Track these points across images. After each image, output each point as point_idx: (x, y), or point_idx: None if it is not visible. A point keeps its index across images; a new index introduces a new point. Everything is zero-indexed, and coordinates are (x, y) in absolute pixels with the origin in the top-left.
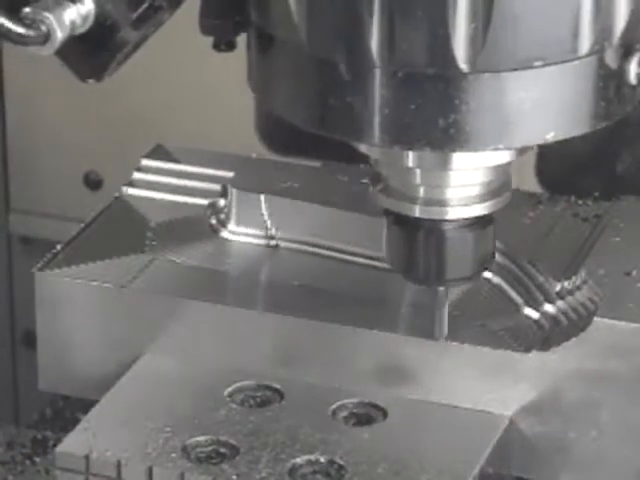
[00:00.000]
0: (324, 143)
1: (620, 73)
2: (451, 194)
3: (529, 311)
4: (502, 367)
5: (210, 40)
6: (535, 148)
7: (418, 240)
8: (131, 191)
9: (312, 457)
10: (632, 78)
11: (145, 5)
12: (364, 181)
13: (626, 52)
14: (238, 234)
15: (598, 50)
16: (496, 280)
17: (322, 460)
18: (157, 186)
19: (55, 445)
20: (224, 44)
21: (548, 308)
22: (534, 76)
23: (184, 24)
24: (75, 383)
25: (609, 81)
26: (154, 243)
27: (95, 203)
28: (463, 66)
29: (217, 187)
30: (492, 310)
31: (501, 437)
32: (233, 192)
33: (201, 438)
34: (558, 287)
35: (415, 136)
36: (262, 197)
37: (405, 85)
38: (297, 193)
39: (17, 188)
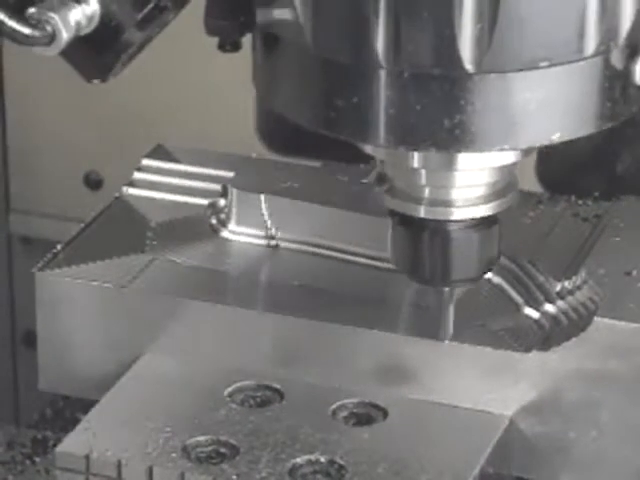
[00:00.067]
0: (324, 143)
1: (626, 74)
2: (456, 195)
3: (529, 311)
4: (502, 367)
5: (210, 40)
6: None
7: (423, 241)
8: (131, 191)
9: (312, 457)
10: (638, 79)
11: (150, 5)
12: (364, 181)
13: (632, 53)
14: (238, 234)
15: (604, 51)
16: (496, 280)
17: (322, 460)
18: (157, 186)
19: (55, 445)
20: (229, 44)
21: (548, 308)
22: (540, 77)
23: (184, 24)
24: (75, 383)
25: (615, 82)
26: (154, 243)
27: (95, 203)
28: (469, 66)
29: (217, 187)
30: (492, 310)
31: (501, 437)
32: (233, 192)
33: (201, 438)
34: (558, 287)
35: (421, 137)
36: (262, 197)
37: (411, 86)
38: (297, 193)
39: (17, 188)
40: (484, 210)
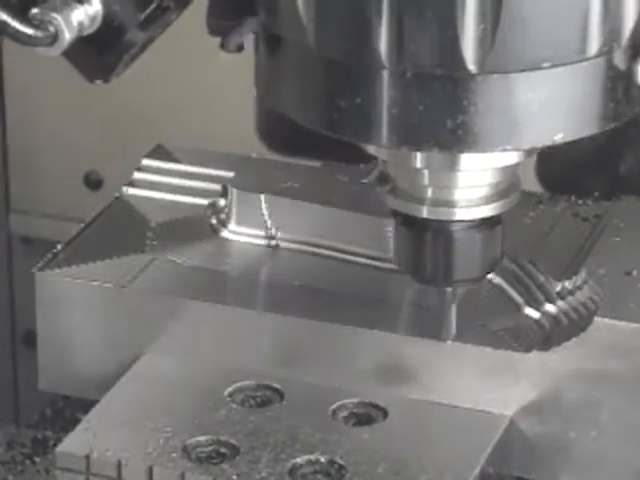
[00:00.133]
0: (324, 143)
1: (628, 74)
2: (459, 195)
3: (530, 311)
4: (502, 367)
5: (211, 40)
6: None
7: (426, 241)
8: (131, 191)
9: (312, 457)
10: None
11: (153, 6)
12: (364, 181)
13: (634, 53)
14: (238, 234)
15: (606, 51)
16: (496, 280)
17: (322, 460)
18: (157, 186)
19: (55, 445)
20: (231, 45)
21: (549, 308)
22: (542, 77)
23: (185, 25)
24: (75, 383)
25: (617, 82)
26: (154, 243)
27: (95, 203)
28: (471, 67)
29: (217, 187)
30: (492, 310)
31: (501, 437)
32: (233, 192)
33: (201, 438)
34: (559, 287)
35: (423, 137)
36: (262, 197)
37: (413, 86)
38: (297, 193)
39: (17, 188)
40: (487, 211)
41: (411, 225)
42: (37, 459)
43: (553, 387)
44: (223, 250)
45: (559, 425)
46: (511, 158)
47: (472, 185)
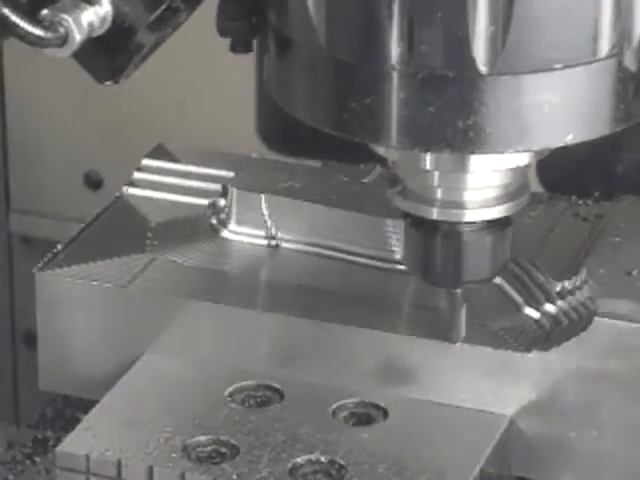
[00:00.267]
0: (324, 143)
1: (639, 75)
2: (469, 196)
3: (530, 311)
4: (503, 367)
5: (211, 40)
6: None
7: (436, 242)
8: (132, 191)
9: (312, 457)
10: None
11: (163, 7)
12: (364, 181)
13: None
14: (238, 234)
15: (617, 53)
16: (496, 280)
17: (322, 460)
18: (158, 186)
19: (55, 445)
20: (241, 46)
21: (549, 308)
22: (553, 78)
23: (185, 25)
24: (75, 383)
25: (628, 83)
26: (154, 243)
27: (95, 203)
28: (483, 68)
29: (217, 187)
30: (492, 310)
31: (501, 437)
32: (233, 192)
33: (201, 438)
34: (559, 287)
35: (434, 138)
36: (262, 197)
37: (424, 87)
38: (297, 193)
39: (17, 188)
40: (497, 212)
41: (421, 226)
42: (37, 459)
43: (553, 387)
44: (223, 250)
45: (559, 425)
46: (521, 159)
47: (482, 186)
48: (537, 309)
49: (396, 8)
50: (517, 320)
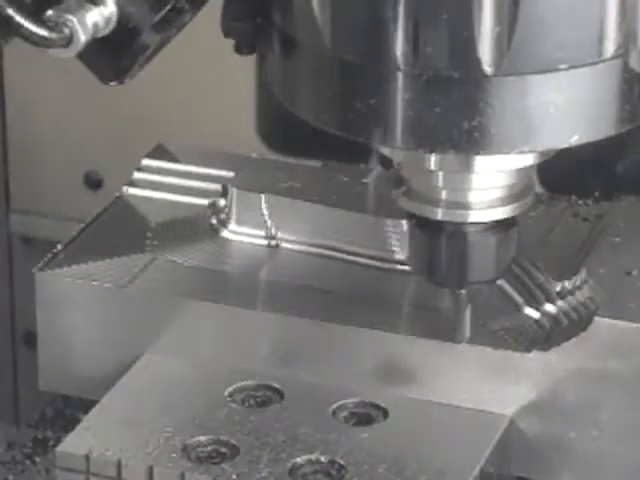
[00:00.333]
0: (324, 143)
1: None
2: (474, 197)
3: (530, 311)
4: (503, 367)
5: (211, 40)
6: None
7: (441, 243)
8: (132, 191)
9: (312, 457)
10: None
11: (167, 7)
12: (364, 181)
13: None
14: (238, 234)
15: (623, 53)
16: (497, 280)
17: (322, 460)
18: (157, 186)
19: (55, 445)
20: (246, 47)
21: (549, 308)
22: (559, 79)
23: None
24: (75, 383)
25: (634, 84)
26: (154, 243)
27: (95, 203)
28: (488, 69)
29: (217, 187)
30: (492, 310)
31: (501, 437)
32: (233, 192)
33: (201, 438)
34: (559, 287)
35: (439, 139)
36: (263, 197)
37: (430, 88)
38: (297, 193)
39: (17, 188)
40: (502, 213)
41: (425, 227)
42: (37, 459)
43: (553, 387)
44: (223, 250)
45: (559, 425)
46: (526, 160)
47: (487, 187)
48: (537, 309)
49: (401, 9)
50: (517, 320)
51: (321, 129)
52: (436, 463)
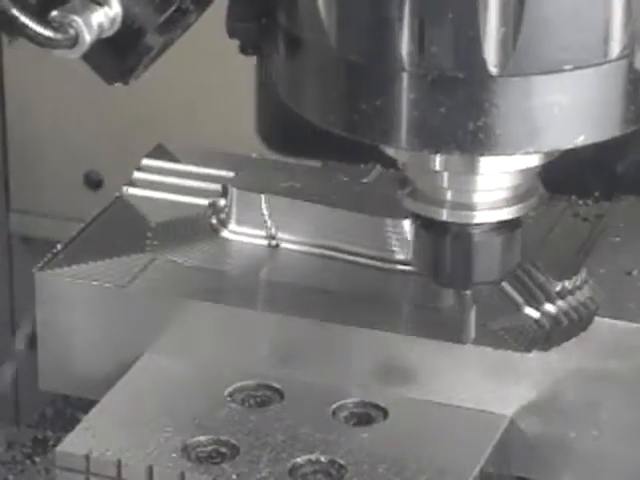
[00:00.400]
0: (324, 143)
1: None
2: (479, 198)
3: (530, 311)
4: (503, 367)
5: (210, 40)
6: None
7: (446, 244)
8: (132, 191)
9: (312, 457)
10: None
11: (172, 8)
12: (364, 181)
13: None
14: (239, 234)
15: (628, 54)
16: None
17: (322, 460)
18: (157, 186)
19: (55, 445)
20: (251, 48)
21: (549, 308)
22: (564, 80)
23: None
24: (75, 383)
25: (638, 85)
26: (154, 243)
27: (95, 203)
28: (493, 69)
29: (217, 187)
30: (492, 310)
31: (501, 437)
32: (234, 192)
33: (201, 438)
34: (559, 287)
35: (445, 140)
36: (263, 197)
37: (435, 88)
38: (297, 193)
39: (17, 188)
40: (507, 213)
41: (430, 228)
42: (37, 459)
43: (553, 387)
44: (223, 250)
45: (559, 425)
46: (531, 161)
47: (492, 188)
48: (537, 309)
49: (407, 9)
50: (517, 320)
51: (321, 129)
52: (436, 463)
